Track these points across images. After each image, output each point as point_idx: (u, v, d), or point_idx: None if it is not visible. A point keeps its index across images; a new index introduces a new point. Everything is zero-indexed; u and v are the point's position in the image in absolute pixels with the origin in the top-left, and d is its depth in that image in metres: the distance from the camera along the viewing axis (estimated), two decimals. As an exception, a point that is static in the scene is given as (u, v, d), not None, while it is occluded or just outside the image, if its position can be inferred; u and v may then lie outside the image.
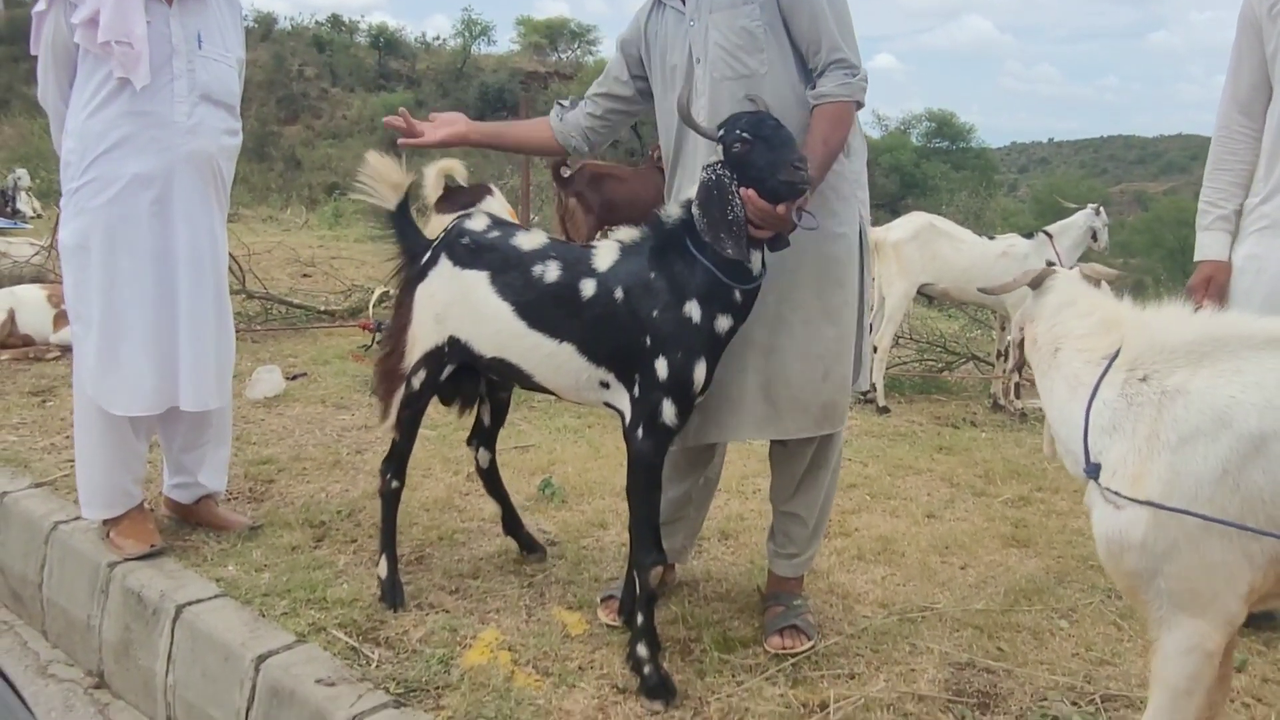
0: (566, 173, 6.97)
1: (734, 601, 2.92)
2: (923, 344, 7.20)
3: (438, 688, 2.38)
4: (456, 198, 5.50)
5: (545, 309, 2.48)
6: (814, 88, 2.50)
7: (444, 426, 4.29)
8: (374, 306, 6.72)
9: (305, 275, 8.36)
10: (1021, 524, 3.68)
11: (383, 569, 2.80)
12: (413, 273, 2.72)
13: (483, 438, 3.07)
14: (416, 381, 2.69)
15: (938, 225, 6.02)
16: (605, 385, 2.48)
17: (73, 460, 3.22)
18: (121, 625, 2.88)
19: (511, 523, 3.15)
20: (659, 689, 2.36)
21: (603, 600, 2.79)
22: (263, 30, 49.37)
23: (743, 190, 2.26)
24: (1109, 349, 1.94)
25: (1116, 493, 1.78)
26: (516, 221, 3.38)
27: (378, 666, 2.46)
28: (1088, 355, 1.97)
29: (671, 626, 2.72)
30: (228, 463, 3.38)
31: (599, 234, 6.55)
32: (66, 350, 4.35)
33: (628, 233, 2.50)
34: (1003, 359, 6.11)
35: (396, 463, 2.83)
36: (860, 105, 2.54)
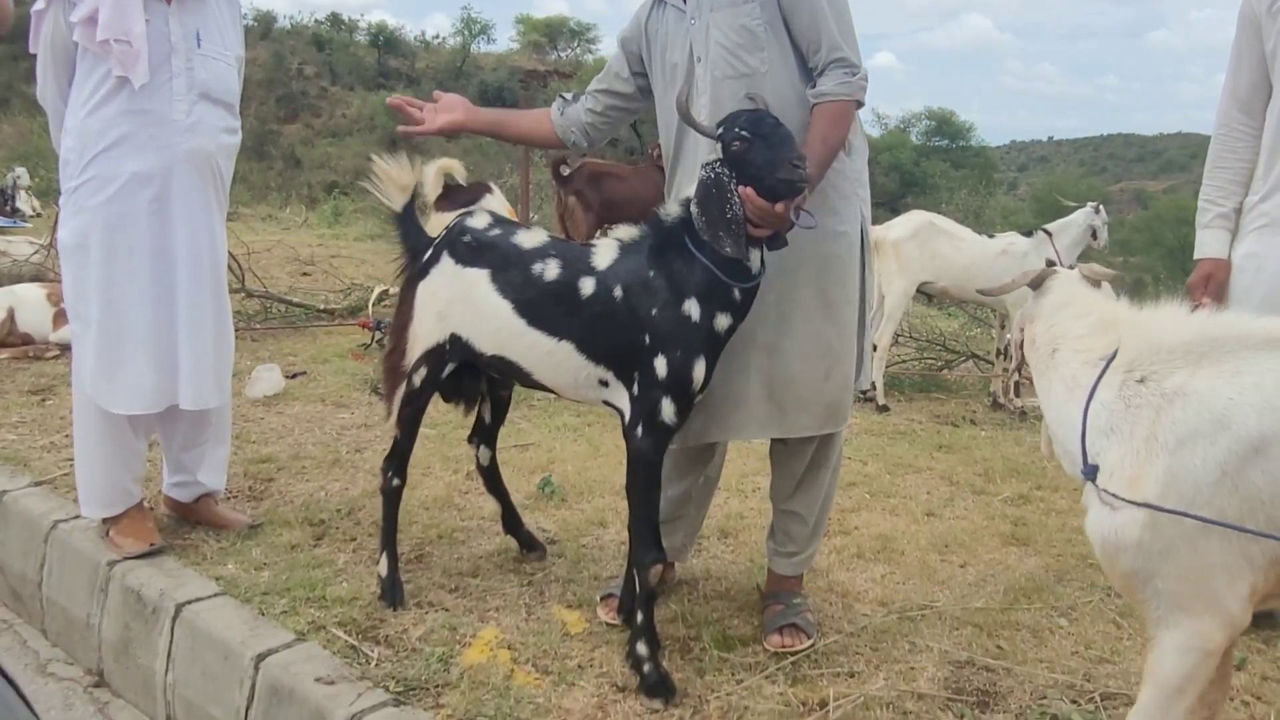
0: (566, 171, 6.97)
1: (733, 600, 2.92)
2: (922, 342, 7.21)
3: (437, 686, 2.38)
4: (456, 196, 5.50)
5: (545, 307, 2.48)
6: (814, 86, 2.50)
7: (444, 425, 4.29)
8: (373, 305, 6.72)
9: (304, 274, 8.36)
10: (1021, 522, 3.68)
11: (383, 567, 2.80)
12: (415, 270, 2.73)
13: (483, 435, 3.07)
14: (417, 379, 2.70)
15: (937, 224, 6.02)
16: (604, 383, 2.48)
17: (72, 459, 3.22)
18: (121, 624, 2.88)
19: (511, 521, 3.15)
20: (658, 687, 2.36)
21: (602, 598, 2.79)
22: (262, 29, 49.35)
23: (741, 188, 2.26)
24: (1106, 350, 1.93)
25: (1114, 495, 1.78)
26: (516, 220, 3.38)
27: (377, 665, 2.46)
28: (1085, 356, 1.97)
29: (671, 625, 2.72)
30: (227, 461, 3.38)
31: (598, 232, 6.55)
32: (66, 349, 4.36)
33: (627, 231, 2.50)
34: (1002, 357, 6.11)
35: (398, 461, 2.83)
36: (860, 104, 2.54)
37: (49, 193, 12.67)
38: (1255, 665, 2.63)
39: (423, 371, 2.69)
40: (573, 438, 4.46)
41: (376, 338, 5.91)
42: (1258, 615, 1.99)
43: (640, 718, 2.30)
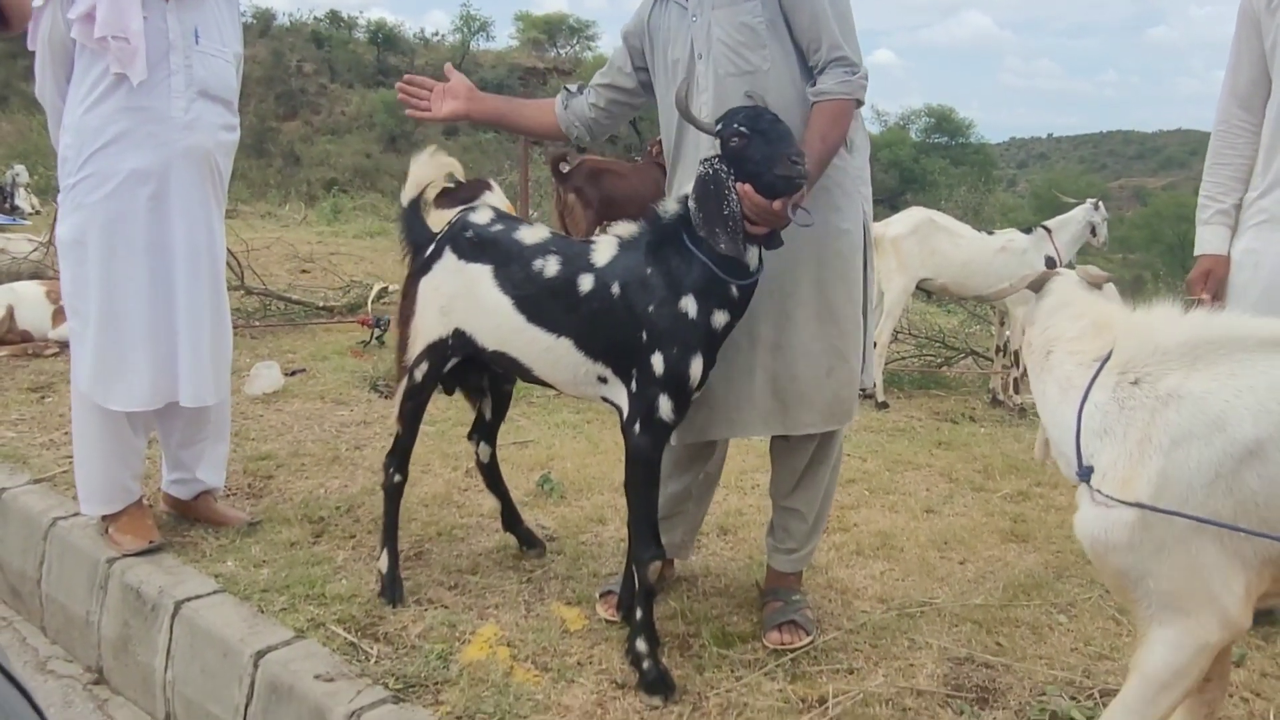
0: (565, 168, 6.96)
1: (733, 597, 2.92)
2: (922, 339, 7.21)
3: (436, 683, 2.38)
4: (455, 193, 5.50)
5: (544, 303, 2.48)
6: (814, 85, 2.50)
7: (443, 422, 4.29)
8: (373, 302, 6.72)
9: (304, 271, 8.35)
10: (1020, 519, 3.68)
11: (383, 563, 2.80)
12: (417, 266, 2.73)
13: (484, 432, 3.07)
14: (419, 374, 2.70)
15: (937, 220, 6.02)
16: (603, 380, 2.48)
17: (71, 456, 3.22)
18: (120, 621, 2.88)
19: (511, 518, 3.15)
20: (658, 684, 2.36)
21: (601, 595, 2.79)
22: (261, 26, 49.28)
23: (739, 185, 2.26)
24: (1101, 351, 1.93)
25: (1108, 496, 1.78)
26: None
27: (376, 662, 2.46)
28: (1079, 358, 1.96)
29: (670, 622, 2.72)
30: (226, 459, 3.38)
31: (598, 229, 6.55)
32: (65, 346, 4.35)
33: (626, 228, 2.50)
34: (1001, 354, 6.11)
35: (399, 457, 2.84)
36: (860, 103, 2.54)
37: (48, 190, 12.67)
38: (1254, 662, 2.63)
39: (424, 366, 2.69)
40: (572, 435, 4.46)
41: (376, 335, 5.91)
42: (1257, 613, 1.99)
43: (640, 714, 2.30)
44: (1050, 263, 5.99)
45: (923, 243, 5.85)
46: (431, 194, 2.92)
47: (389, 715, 2.25)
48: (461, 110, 2.84)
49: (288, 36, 51.41)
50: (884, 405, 5.62)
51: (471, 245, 2.61)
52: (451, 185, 2.98)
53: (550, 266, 2.49)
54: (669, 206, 2.44)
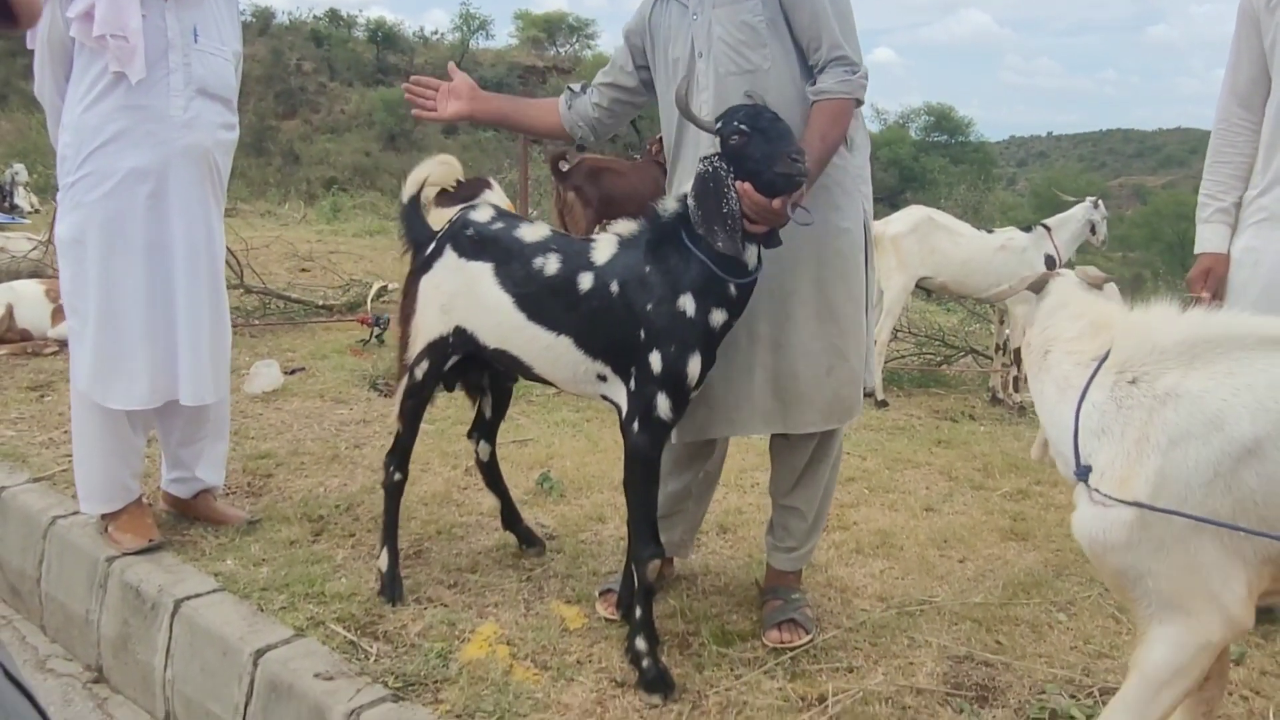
0: (565, 167, 6.96)
1: (732, 595, 2.92)
2: (921, 338, 7.21)
3: (436, 682, 2.38)
4: (455, 192, 5.49)
5: (544, 302, 2.48)
6: (814, 84, 2.50)
7: (442, 421, 4.29)
8: (372, 301, 6.71)
9: (303, 270, 8.35)
10: (1020, 517, 3.68)
11: (383, 561, 2.80)
12: (418, 264, 2.73)
13: (483, 430, 3.07)
14: (420, 372, 2.70)
15: (936, 219, 6.02)
16: (602, 378, 2.48)
17: (71, 455, 3.22)
18: (120, 620, 2.88)
19: (510, 517, 3.15)
20: (657, 682, 2.36)
21: (601, 594, 2.79)
22: (260, 25, 49.26)
23: (739, 184, 2.25)
24: (1098, 351, 1.93)
25: (1106, 495, 1.78)
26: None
27: (376, 660, 2.46)
28: (1077, 357, 1.96)
29: (670, 620, 2.72)
30: (226, 457, 3.38)
31: (597, 228, 6.54)
32: (64, 345, 4.36)
33: (626, 226, 2.50)
34: (1001, 352, 6.11)
35: (399, 455, 2.84)
36: (860, 103, 2.54)
37: (47, 189, 12.66)
38: (1254, 660, 2.63)
39: (425, 365, 2.69)
40: (571, 433, 4.46)
41: (375, 333, 5.91)
42: (1257, 610, 1.99)
43: (639, 713, 2.30)
44: (1050, 261, 5.99)
45: (922, 241, 5.85)
46: (431, 193, 2.92)
47: (388, 714, 2.25)
48: (465, 110, 2.84)
49: (287, 35, 51.40)
50: (883, 404, 5.62)
51: (472, 243, 2.61)
52: (451, 184, 2.98)
53: (550, 264, 2.49)
54: (668, 205, 2.44)
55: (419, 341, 2.68)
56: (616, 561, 3.03)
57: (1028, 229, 6.24)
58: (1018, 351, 5.76)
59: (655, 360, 2.35)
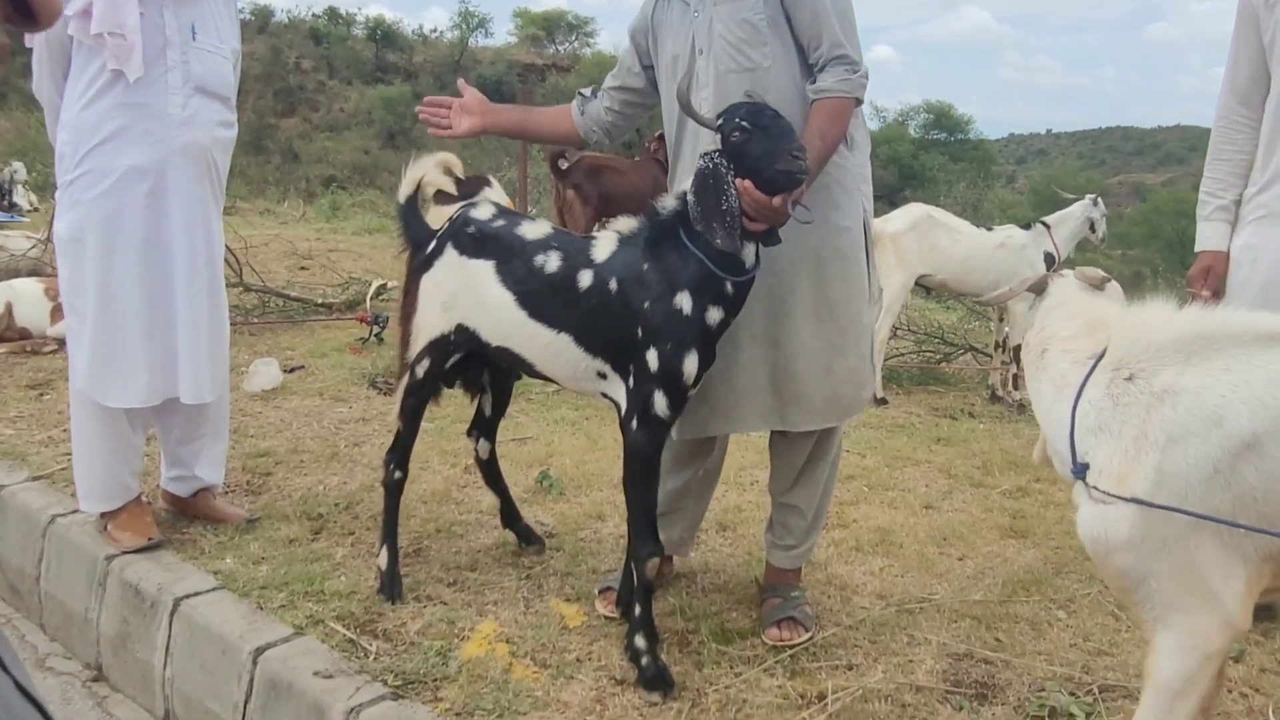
0: (564, 165, 6.96)
1: (732, 593, 2.92)
2: (920, 335, 7.20)
3: (436, 680, 2.38)
4: (455, 190, 5.48)
5: (545, 299, 2.48)
6: (814, 82, 2.49)
7: (442, 419, 4.29)
8: (371, 299, 6.71)
9: (302, 268, 8.34)
10: (1019, 515, 3.68)
11: (383, 560, 2.80)
12: (418, 262, 2.73)
13: (483, 428, 3.07)
14: (420, 370, 2.70)
15: (935, 216, 6.01)
16: (602, 376, 2.48)
17: (70, 453, 3.22)
18: (119, 618, 2.88)
19: (510, 515, 3.15)
20: (657, 680, 2.36)
21: (600, 592, 2.79)
22: (259, 23, 49.26)
23: (739, 181, 2.25)
24: (1095, 349, 1.93)
25: (1105, 491, 1.77)
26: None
27: (375, 659, 2.46)
28: (1074, 356, 1.96)
29: (669, 618, 2.72)
30: (225, 456, 3.38)
31: (596, 226, 6.54)
32: (63, 343, 4.36)
33: (626, 223, 2.50)
34: (1000, 350, 6.11)
35: (400, 453, 2.83)
36: (860, 102, 2.54)
37: (46, 187, 12.65)
38: (1254, 657, 2.63)
39: (426, 363, 2.69)
40: (571, 431, 4.46)
41: (374, 332, 5.91)
42: (1257, 608, 1.99)
43: (638, 711, 2.30)
44: (1049, 258, 5.98)
45: (922, 239, 5.85)
46: (430, 191, 2.92)
47: (388, 712, 2.25)
48: (479, 125, 2.84)
49: (286, 33, 51.41)
50: (883, 401, 5.62)
51: (473, 241, 2.60)
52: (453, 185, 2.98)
53: (551, 262, 2.49)
54: (667, 202, 2.43)
55: (420, 340, 2.68)
56: (616, 559, 3.03)
57: (1027, 226, 6.23)
58: (1017, 349, 5.77)
59: (652, 358, 2.35)
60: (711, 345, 2.42)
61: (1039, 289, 2.20)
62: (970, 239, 6.00)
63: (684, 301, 2.34)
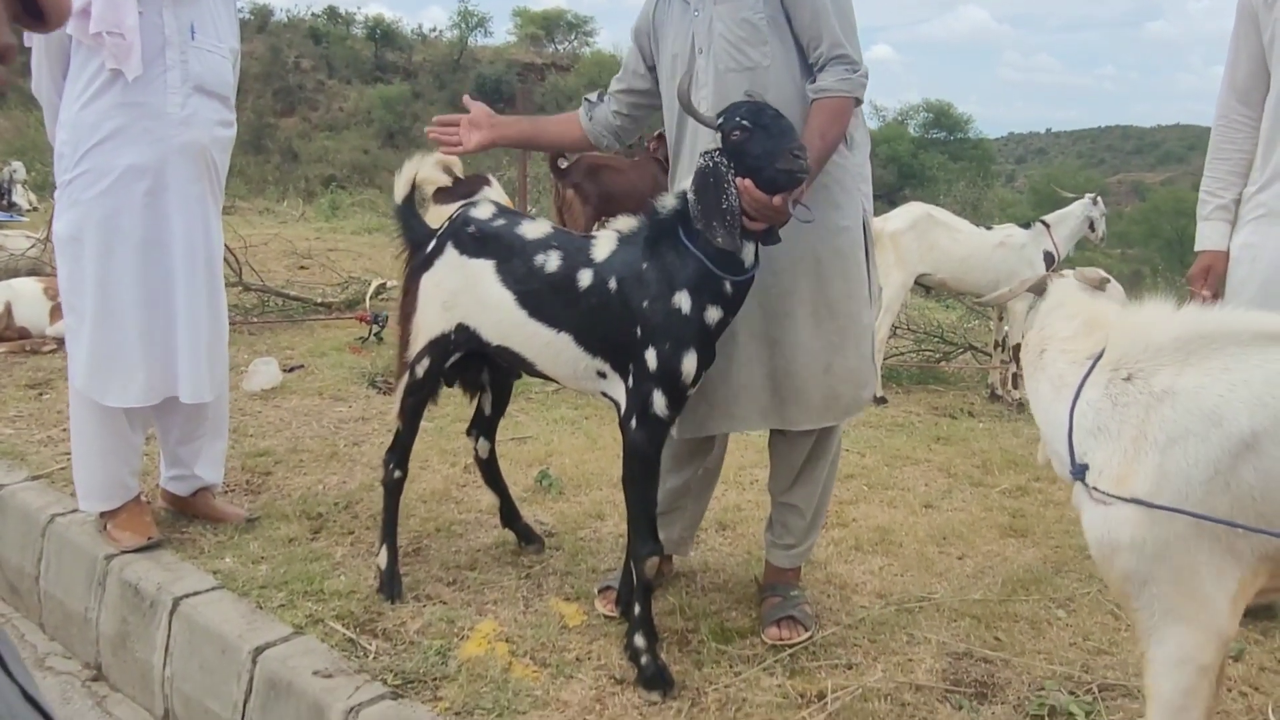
0: (564, 164, 6.95)
1: (731, 592, 2.92)
2: (920, 334, 7.20)
3: (435, 679, 2.38)
4: (454, 189, 5.48)
5: (545, 298, 2.48)
6: (814, 82, 2.49)
7: (441, 418, 4.29)
8: (371, 299, 6.71)
9: (302, 267, 8.34)
10: (1019, 514, 3.68)
11: (382, 559, 2.80)
12: (418, 262, 2.72)
13: (483, 427, 3.07)
14: (420, 369, 2.70)
15: (935, 215, 6.01)
16: (602, 375, 2.48)
17: (69, 453, 3.21)
18: (119, 618, 2.88)
19: (509, 514, 3.15)
20: (656, 679, 2.36)
21: (600, 591, 2.79)
22: (259, 22, 49.27)
23: (739, 180, 2.25)
24: (1093, 349, 1.92)
25: (1105, 492, 1.77)
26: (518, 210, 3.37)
27: (375, 658, 2.46)
28: (1072, 356, 1.96)
29: (669, 617, 2.72)
30: (225, 455, 3.38)
31: (596, 225, 6.53)
32: (63, 343, 4.36)
33: (626, 222, 2.50)
34: (1000, 349, 6.11)
35: (399, 452, 2.83)
36: (859, 102, 2.54)
37: (45, 186, 12.64)
38: (1253, 656, 2.63)
39: (426, 362, 2.69)
40: (570, 430, 4.46)
41: (374, 331, 5.90)
42: (1257, 607, 1.99)
43: (638, 710, 2.30)
44: (1049, 257, 5.98)
45: (921, 238, 5.85)
46: (428, 190, 2.92)
47: (387, 711, 2.25)
48: (488, 139, 2.84)
49: (285, 32, 51.41)
50: (882, 400, 5.62)
51: (474, 240, 2.60)
52: (443, 181, 2.98)
53: (551, 261, 2.48)
54: (667, 202, 2.43)
55: (420, 339, 2.68)
56: (615, 559, 3.03)
57: (1026, 226, 6.23)
58: (1016, 348, 5.76)
59: (651, 357, 2.35)
60: (710, 344, 2.42)
61: (1038, 289, 2.20)
62: (970, 238, 6.00)
63: (683, 301, 2.34)
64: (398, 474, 2.84)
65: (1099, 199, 6.37)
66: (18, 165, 13.13)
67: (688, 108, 2.41)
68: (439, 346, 2.67)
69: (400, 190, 2.82)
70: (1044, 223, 6.20)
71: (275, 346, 5.76)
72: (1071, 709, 2.33)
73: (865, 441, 4.62)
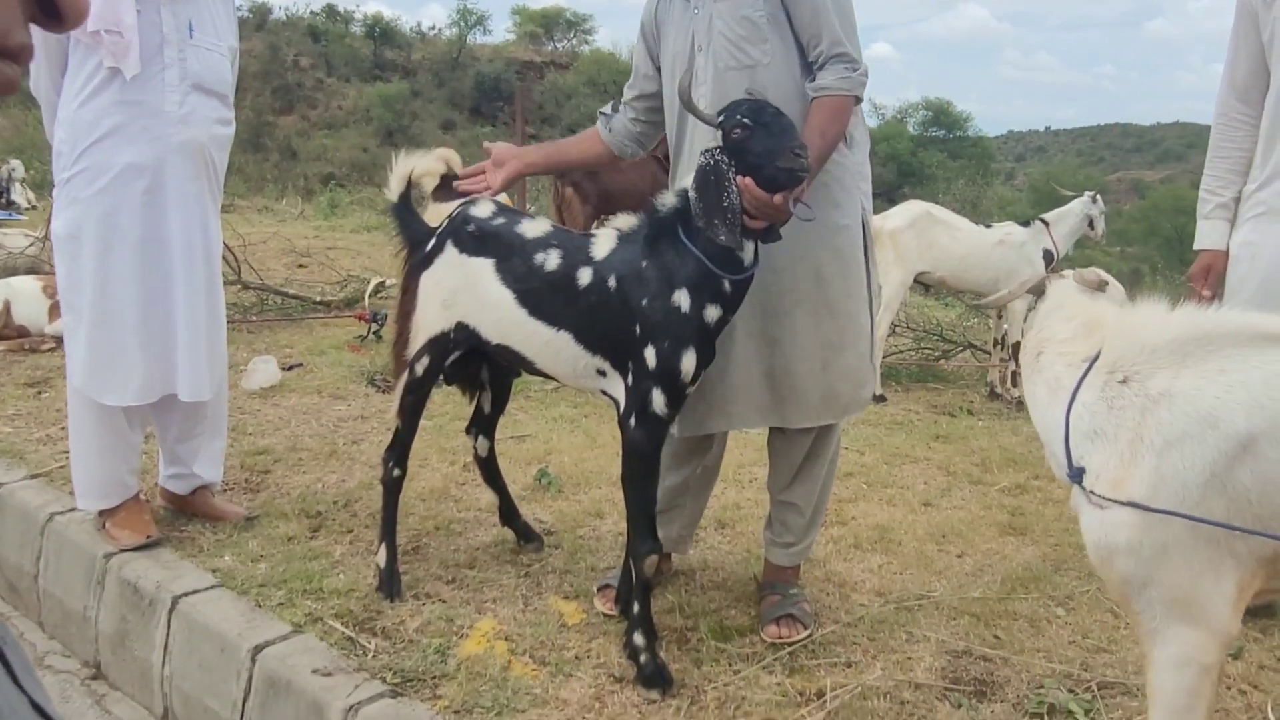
0: (562, 162, 6.94)
1: (730, 590, 2.92)
2: (919, 332, 7.20)
3: (434, 677, 2.38)
4: (454, 187, 5.47)
5: (545, 297, 2.48)
6: (814, 80, 2.49)
7: (440, 416, 4.29)
8: (370, 297, 6.70)
9: (301, 266, 8.33)
10: (1018, 512, 3.68)
11: (382, 557, 2.80)
12: (417, 260, 2.72)
13: (482, 426, 3.07)
14: (420, 368, 2.70)
15: (935, 214, 6.01)
16: (602, 373, 2.48)
17: (68, 451, 3.21)
18: (118, 616, 2.88)
19: (508, 512, 3.15)
20: (655, 678, 2.36)
21: (599, 589, 2.79)
22: (257, 20, 49.24)
23: (740, 178, 2.25)
24: (1090, 352, 1.92)
25: (1102, 496, 1.77)
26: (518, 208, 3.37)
27: (374, 656, 2.46)
28: (1069, 358, 1.95)
29: (668, 615, 2.72)
30: (223, 453, 3.37)
31: (595, 224, 6.53)
32: (61, 341, 4.36)
33: (626, 221, 2.50)
34: (999, 347, 6.11)
35: (398, 451, 2.83)
36: (859, 100, 2.53)
37: (44, 185, 12.63)
38: (1252, 654, 2.63)
39: (425, 360, 2.69)
40: (569, 429, 4.46)
41: (373, 329, 5.90)
42: (1257, 606, 1.99)
43: (637, 708, 2.30)
44: (1048, 256, 5.98)
45: (920, 236, 5.85)
46: (426, 187, 2.91)
47: (387, 709, 2.25)
48: (514, 171, 2.84)
49: (284, 31, 51.38)
50: (881, 399, 5.62)
51: (473, 239, 2.60)
52: (438, 177, 2.97)
53: (551, 260, 2.48)
54: (667, 200, 2.43)
55: (420, 337, 2.68)
56: (615, 557, 3.03)
57: (1026, 224, 6.23)
58: (1016, 346, 5.76)
59: (650, 355, 2.35)
60: (710, 343, 2.42)
61: (1038, 291, 2.20)
62: (969, 236, 6.00)
63: (682, 299, 2.34)
64: (397, 472, 2.83)
65: (1098, 197, 6.37)
66: (16, 163, 13.13)
67: (688, 105, 2.41)
68: (438, 345, 2.66)
69: (395, 188, 2.81)
70: (1043, 221, 6.20)
71: (274, 345, 5.76)
72: (1071, 707, 2.33)
73: (864, 439, 4.62)
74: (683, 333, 2.34)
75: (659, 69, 2.79)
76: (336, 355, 5.55)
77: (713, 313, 2.37)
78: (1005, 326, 5.96)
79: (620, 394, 2.45)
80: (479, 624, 2.62)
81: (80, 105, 2.87)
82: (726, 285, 2.36)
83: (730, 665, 2.49)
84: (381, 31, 53.97)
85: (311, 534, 3.18)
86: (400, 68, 51.62)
